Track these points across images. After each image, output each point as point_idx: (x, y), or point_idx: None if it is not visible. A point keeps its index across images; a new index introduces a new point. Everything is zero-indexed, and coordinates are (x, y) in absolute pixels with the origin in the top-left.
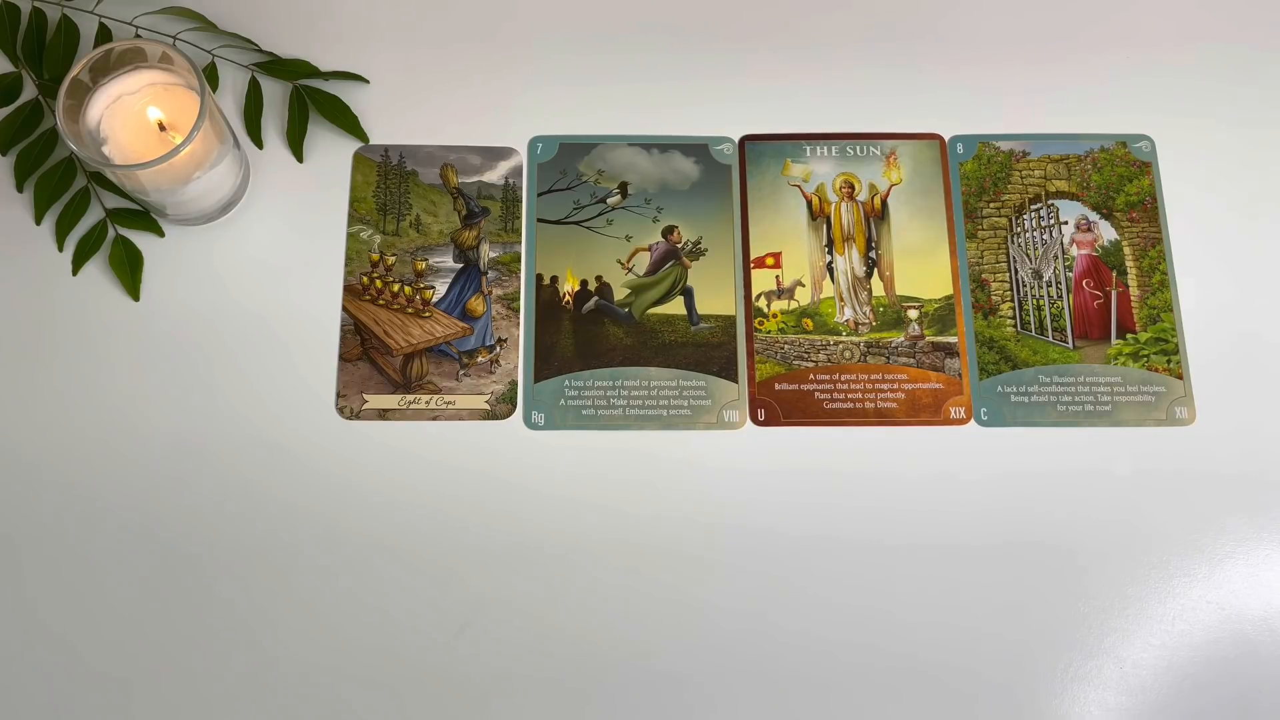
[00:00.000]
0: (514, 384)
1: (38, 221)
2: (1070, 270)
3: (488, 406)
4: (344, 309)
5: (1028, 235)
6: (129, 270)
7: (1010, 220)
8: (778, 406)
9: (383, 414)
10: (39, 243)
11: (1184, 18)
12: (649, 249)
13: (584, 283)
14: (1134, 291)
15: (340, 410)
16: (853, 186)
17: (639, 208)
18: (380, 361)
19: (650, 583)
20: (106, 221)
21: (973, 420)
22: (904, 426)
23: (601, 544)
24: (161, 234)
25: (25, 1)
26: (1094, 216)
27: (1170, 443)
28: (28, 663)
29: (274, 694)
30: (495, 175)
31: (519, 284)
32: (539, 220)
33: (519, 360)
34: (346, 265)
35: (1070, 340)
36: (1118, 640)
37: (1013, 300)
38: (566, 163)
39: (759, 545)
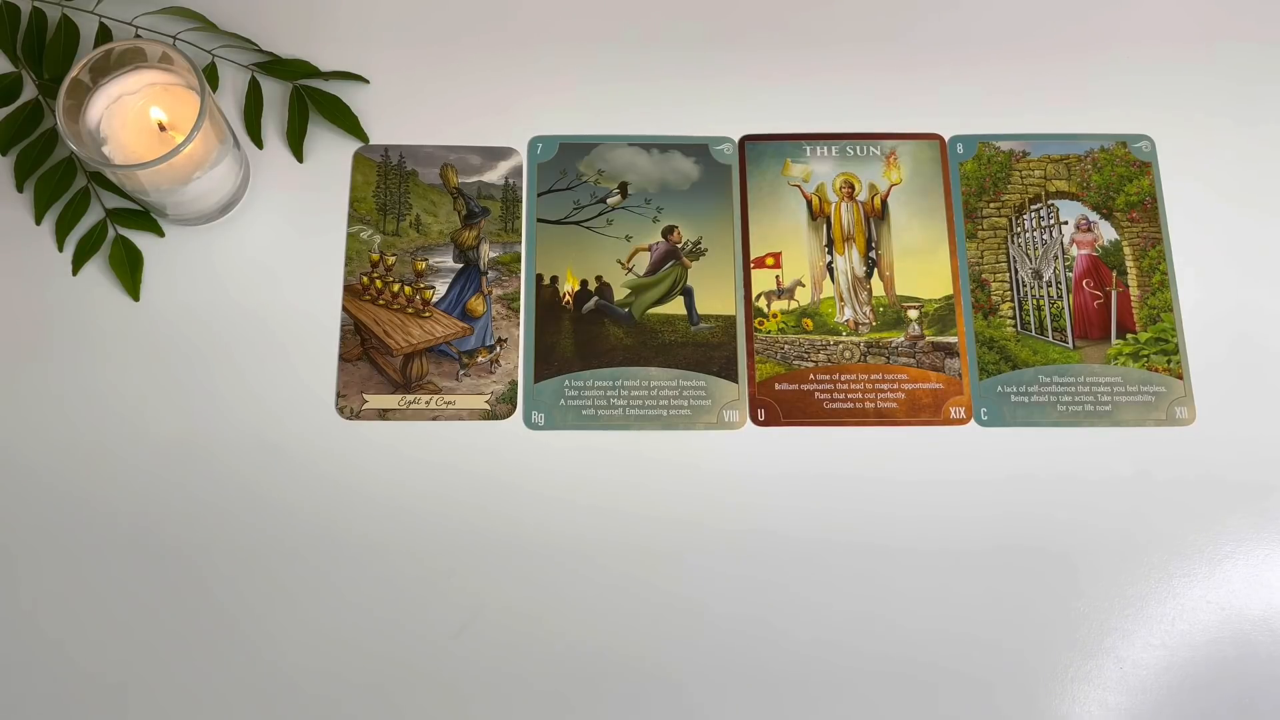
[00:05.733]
0: (514, 384)
1: (38, 221)
2: (1070, 270)
3: (488, 406)
4: (344, 309)
5: (1028, 235)
6: (129, 270)
7: (1010, 220)
8: (778, 406)
9: (383, 414)
10: (39, 243)
11: (1184, 17)
12: (649, 249)
13: (584, 283)
14: (1134, 291)
15: (340, 410)
16: (853, 186)
17: (639, 208)
18: (380, 361)
19: (650, 583)
20: (106, 221)
21: (973, 420)
22: (904, 426)
23: (601, 544)
24: (161, 234)
25: (25, 1)
26: (1094, 216)
27: (1170, 443)
28: (26, 665)
29: (273, 694)
30: (495, 175)
31: (519, 284)
32: (539, 220)
33: (519, 360)
34: (346, 265)
35: (1070, 340)
36: (1118, 640)
37: (1013, 300)
38: (566, 163)
39: (759, 545)
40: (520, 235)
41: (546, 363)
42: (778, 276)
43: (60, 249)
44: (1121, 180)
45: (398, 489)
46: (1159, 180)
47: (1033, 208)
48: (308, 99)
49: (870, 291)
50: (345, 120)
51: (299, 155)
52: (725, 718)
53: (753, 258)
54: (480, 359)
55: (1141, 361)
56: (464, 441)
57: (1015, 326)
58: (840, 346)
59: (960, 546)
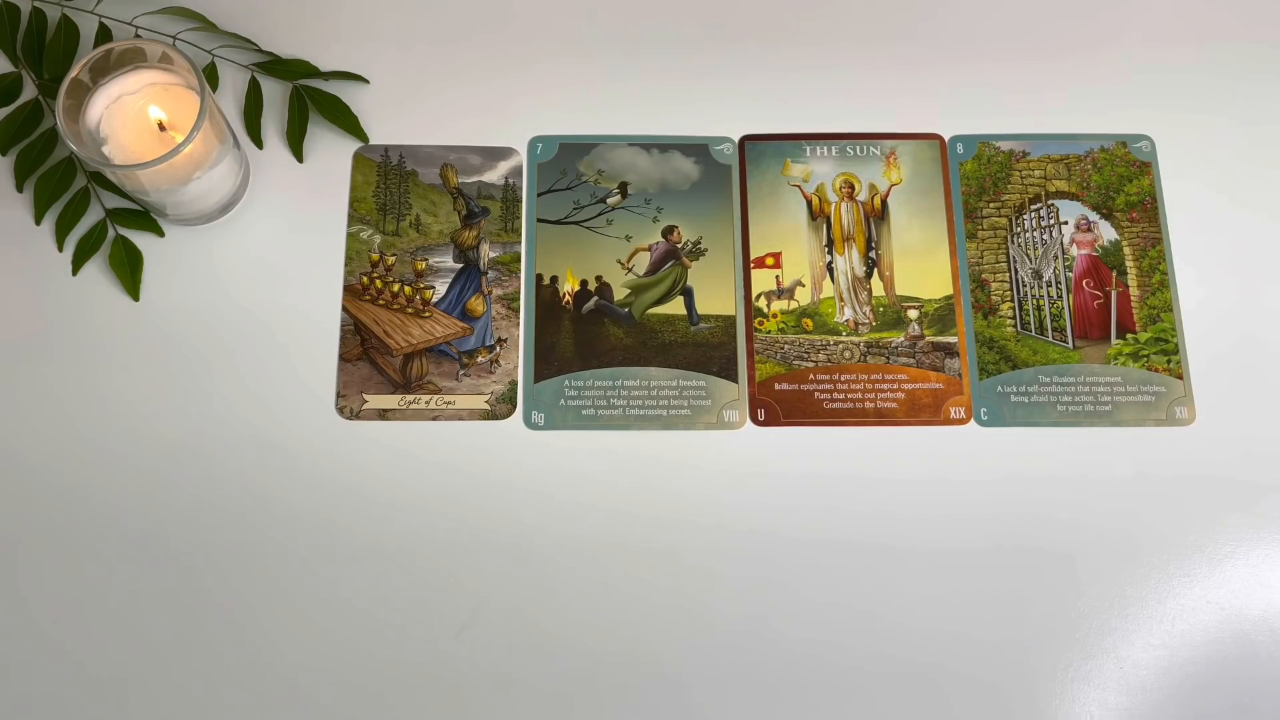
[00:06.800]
0: (514, 384)
1: (38, 221)
2: (1070, 270)
3: (488, 406)
4: (344, 309)
5: (1028, 235)
6: (129, 270)
7: (1010, 220)
8: (778, 406)
9: (383, 414)
10: (39, 243)
11: (1184, 17)
12: (649, 249)
13: (584, 283)
14: (1134, 291)
15: (340, 410)
16: (853, 186)
17: (639, 208)
18: (380, 361)
19: (650, 583)
20: (106, 221)
21: (973, 420)
22: (904, 426)
23: (601, 544)
24: (161, 234)
25: (25, 1)
26: (1094, 216)
27: (1170, 443)
28: (27, 665)
29: (273, 695)
30: (495, 175)
31: (519, 284)
32: (539, 220)
33: (519, 360)
34: (346, 265)
35: (1070, 340)
36: (1118, 640)
37: (1013, 300)
38: (566, 163)
39: (759, 545)
40: (520, 235)
41: (546, 363)
42: (778, 276)
43: (60, 249)
44: (1121, 180)
45: (398, 489)
46: (1159, 180)
47: (1033, 208)
48: (308, 99)
49: (870, 291)
50: (345, 120)
51: (299, 155)
52: (725, 717)
53: (753, 258)
54: (480, 359)
55: (1141, 361)
56: (464, 441)
57: (1015, 326)
58: (840, 346)
59: (960, 546)
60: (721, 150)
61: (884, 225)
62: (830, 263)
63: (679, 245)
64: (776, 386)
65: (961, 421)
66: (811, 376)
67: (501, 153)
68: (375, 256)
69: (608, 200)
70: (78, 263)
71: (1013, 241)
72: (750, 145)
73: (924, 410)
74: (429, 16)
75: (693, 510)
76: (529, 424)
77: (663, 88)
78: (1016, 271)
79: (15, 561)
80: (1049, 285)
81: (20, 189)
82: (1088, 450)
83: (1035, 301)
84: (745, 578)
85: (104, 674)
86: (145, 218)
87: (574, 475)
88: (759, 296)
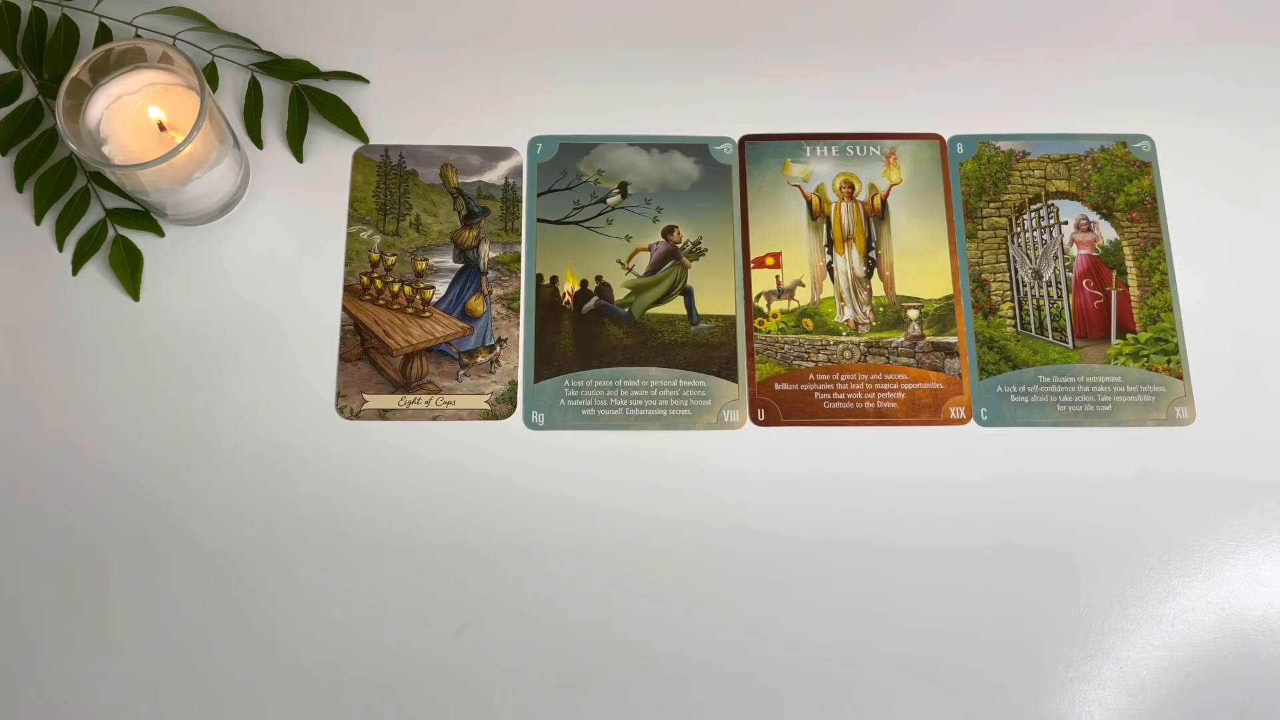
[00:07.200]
0: (514, 384)
1: (38, 221)
2: (1070, 270)
3: (488, 406)
4: (344, 309)
5: (1028, 235)
6: (129, 270)
7: (1010, 220)
8: (778, 406)
9: (383, 414)
10: (39, 243)
11: (1184, 17)
12: (649, 249)
13: (584, 283)
14: (1134, 291)
15: (340, 410)
16: (853, 186)
17: (639, 208)
18: (380, 361)
19: (650, 583)
20: (106, 221)
21: (973, 420)
22: (904, 426)
23: (601, 544)
24: (161, 234)
25: (25, 1)
26: (1094, 216)
27: (1170, 443)
28: (26, 665)
29: (273, 693)
30: (495, 175)
31: (519, 284)
32: (539, 220)
33: (519, 360)
34: (346, 265)
35: (1070, 340)
36: (1118, 640)
37: (1013, 300)
38: (566, 163)
39: (759, 545)
40: (520, 235)
41: (546, 363)
42: (778, 276)
43: (60, 249)
44: (1121, 180)
45: (398, 489)
46: (1159, 180)
47: (1033, 208)
48: (308, 99)
49: (870, 291)
50: (345, 120)
51: (299, 155)
52: (724, 716)
53: (753, 258)
54: (480, 359)
55: (1141, 361)
56: (464, 441)
57: (1015, 326)
58: (840, 346)
59: (960, 546)
60: (721, 150)
61: (884, 225)
62: (830, 263)
63: (679, 245)
64: (776, 386)
65: (961, 421)
66: (811, 376)
67: (501, 153)
68: (375, 256)
69: (608, 200)
70: (78, 263)
71: (1013, 241)
72: (750, 145)
73: (924, 410)
74: (429, 16)
75: (693, 510)
76: (529, 424)
77: (663, 88)
78: (1016, 271)
79: (16, 561)
80: (1049, 285)
81: (20, 189)
82: (1088, 450)
83: (1035, 301)
84: (745, 578)
85: (103, 673)
86: (145, 218)
87: (574, 475)
88: (759, 296)
